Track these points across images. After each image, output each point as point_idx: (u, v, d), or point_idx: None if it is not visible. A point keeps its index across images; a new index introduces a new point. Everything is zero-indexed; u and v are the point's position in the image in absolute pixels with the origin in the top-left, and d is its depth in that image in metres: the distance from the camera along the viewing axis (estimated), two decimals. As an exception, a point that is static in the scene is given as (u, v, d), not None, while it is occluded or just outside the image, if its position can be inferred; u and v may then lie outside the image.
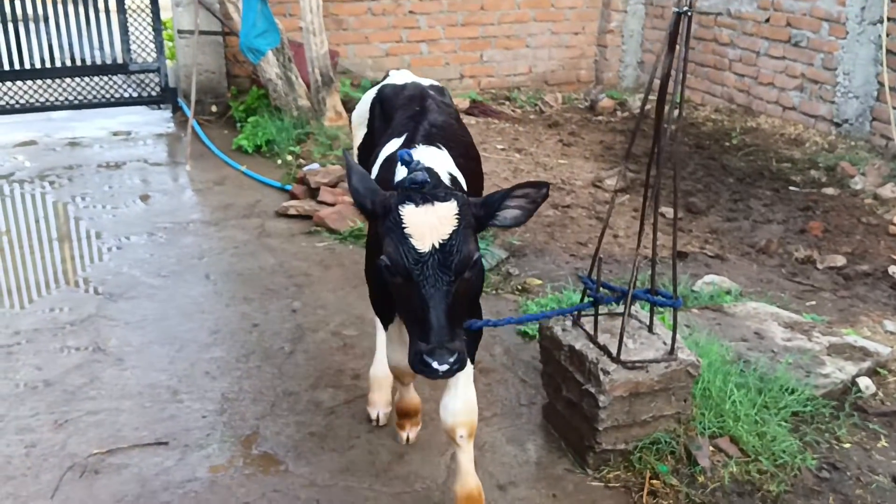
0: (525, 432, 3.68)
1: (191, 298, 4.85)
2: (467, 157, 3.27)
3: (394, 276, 2.38)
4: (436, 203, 2.38)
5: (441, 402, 3.02)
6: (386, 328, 3.16)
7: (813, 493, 3.30)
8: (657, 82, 3.17)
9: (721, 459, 3.36)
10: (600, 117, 9.13)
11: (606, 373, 3.24)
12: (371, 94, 3.69)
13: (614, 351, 3.29)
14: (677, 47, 3.04)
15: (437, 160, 2.91)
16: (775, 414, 3.58)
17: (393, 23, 9.18)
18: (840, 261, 5.54)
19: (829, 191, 6.80)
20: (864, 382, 3.99)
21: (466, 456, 3.04)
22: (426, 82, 3.67)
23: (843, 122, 7.77)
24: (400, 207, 2.37)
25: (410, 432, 3.57)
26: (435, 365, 2.32)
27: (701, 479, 3.29)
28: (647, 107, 3.50)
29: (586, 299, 3.36)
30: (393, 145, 3.14)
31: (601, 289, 3.36)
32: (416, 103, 3.37)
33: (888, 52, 7.17)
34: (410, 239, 2.33)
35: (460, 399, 2.97)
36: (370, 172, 3.19)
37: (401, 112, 3.37)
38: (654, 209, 3.33)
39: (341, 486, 3.30)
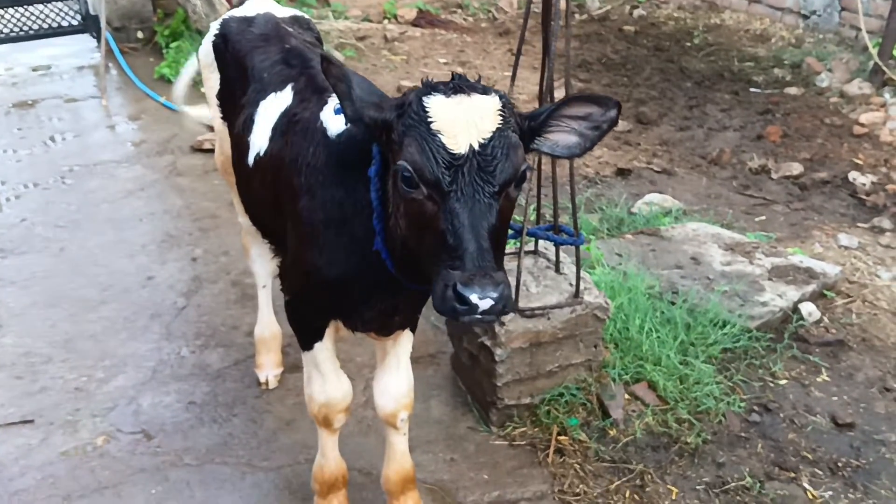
0: (431, 386, 3.34)
1: (86, 250, 4.45)
2: None
3: (414, 189, 1.77)
4: (473, 94, 1.80)
5: (378, 384, 2.58)
6: (312, 346, 2.43)
7: (739, 440, 2.98)
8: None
9: (637, 409, 3.03)
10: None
11: (502, 324, 2.87)
12: (214, 28, 3.02)
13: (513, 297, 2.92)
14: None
15: None
16: (703, 352, 3.24)
17: (328, -72, 8.47)
18: (797, 169, 5.12)
19: (793, 90, 6.31)
20: (808, 308, 3.63)
21: (404, 438, 2.65)
22: (284, 13, 3.02)
23: (811, 14, 7.23)
24: (425, 99, 1.79)
25: None
26: (475, 298, 1.66)
27: (613, 432, 2.96)
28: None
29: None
30: (272, 102, 2.52)
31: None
32: (275, 43, 2.76)
33: (857, -68, 6.57)
34: (440, 136, 1.75)
35: (404, 380, 2.56)
36: (239, 134, 2.65)
37: (260, 56, 2.73)
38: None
39: (217, 461, 2.99)
